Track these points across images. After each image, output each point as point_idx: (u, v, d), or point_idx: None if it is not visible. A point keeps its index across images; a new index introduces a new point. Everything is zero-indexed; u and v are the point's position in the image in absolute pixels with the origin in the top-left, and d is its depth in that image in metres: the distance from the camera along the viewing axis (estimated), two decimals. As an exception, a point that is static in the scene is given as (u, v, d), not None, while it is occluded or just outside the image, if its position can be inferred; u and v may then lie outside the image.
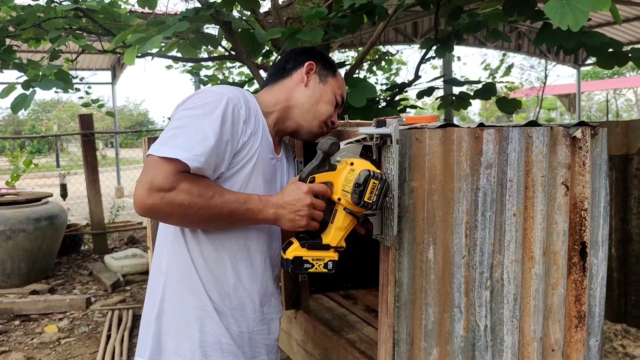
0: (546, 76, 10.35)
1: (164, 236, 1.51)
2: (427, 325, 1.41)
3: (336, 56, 8.21)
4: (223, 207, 1.34)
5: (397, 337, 1.40)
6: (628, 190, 3.40)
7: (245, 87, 4.53)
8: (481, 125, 1.43)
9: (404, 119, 1.50)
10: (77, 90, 5.13)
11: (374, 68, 7.63)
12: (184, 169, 1.28)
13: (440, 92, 5.25)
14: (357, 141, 1.47)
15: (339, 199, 1.38)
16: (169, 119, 1.49)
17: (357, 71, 4.23)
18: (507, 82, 9.20)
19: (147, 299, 1.55)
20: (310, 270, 1.41)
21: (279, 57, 3.21)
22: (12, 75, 3.94)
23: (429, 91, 4.17)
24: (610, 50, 3.03)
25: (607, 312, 3.38)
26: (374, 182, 1.28)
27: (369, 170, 1.29)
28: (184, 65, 5.84)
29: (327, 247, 1.41)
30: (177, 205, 1.27)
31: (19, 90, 3.42)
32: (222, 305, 1.48)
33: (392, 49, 8.51)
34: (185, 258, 1.45)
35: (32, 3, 4.20)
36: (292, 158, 1.75)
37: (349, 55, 8.36)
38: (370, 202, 1.29)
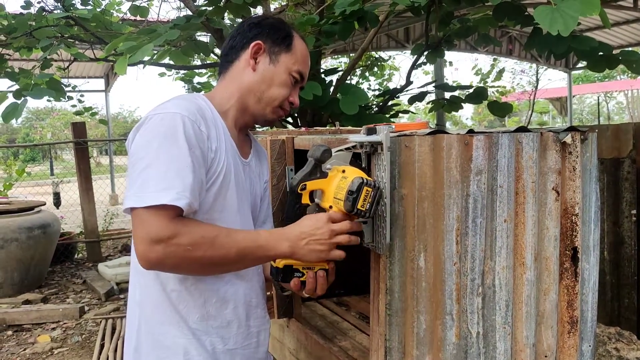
0: (537, 80, 10.40)
1: (135, 266, 1.39)
2: (419, 333, 1.41)
3: (328, 62, 8.22)
4: (230, 246, 1.26)
5: (389, 346, 1.40)
6: (620, 194, 3.42)
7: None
8: (471, 131, 1.43)
9: (393, 126, 1.50)
10: (70, 98, 5.12)
11: (367, 74, 7.65)
12: (176, 211, 1.21)
13: (432, 97, 5.26)
14: (347, 149, 1.46)
15: (331, 207, 1.37)
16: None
17: (349, 77, 4.24)
18: (498, 86, 9.24)
19: (126, 330, 1.47)
20: (301, 279, 1.40)
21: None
22: (3, 85, 3.93)
23: (420, 96, 4.19)
24: (600, 54, 3.05)
25: (601, 315, 3.39)
26: (367, 190, 1.28)
27: (362, 178, 1.29)
28: (177, 73, 5.84)
29: (317, 256, 1.40)
30: (182, 252, 1.20)
31: (10, 100, 3.41)
32: (207, 325, 1.39)
33: (384, 54, 8.54)
34: (158, 287, 1.37)
35: (24, 12, 4.20)
36: (264, 157, 1.65)
37: (342, 61, 8.38)
38: (364, 209, 1.28)
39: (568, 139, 1.52)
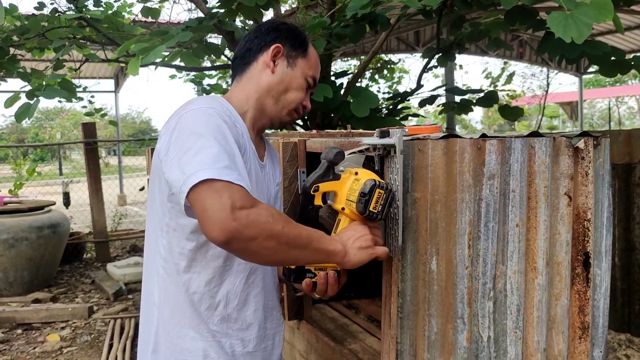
0: (548, 84, 10.36)
1: (153, 267, 1.40)
2: (430, 336, 1.41)
3: (338, 65, 8.24)
4: (301, 228, 1.23)
5: (400, 349, 1.40)
6: (631, 199, 3.40)
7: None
8: (484, 135, 1.43)
9: (406, 130, 1.50)
10: (81, 99, 5.16)
11: (377, 77, 7.65)
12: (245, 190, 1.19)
13: (442, 100, 5.27)
14: (360, 151, 1.47)
15: (343, 209, 1.37)
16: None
17: (359, 80, 4.24)
18: (509, 90, 9.21)
19: (141, 331, 1.46)
20: (313, 280, 1.40)
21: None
22: (16, 85, 3.97)
23: (431, 100, 4.19)
24: (613, 58, 3.04)
25: (611, 321, 3.37)
26: (379, 192, 1.28)
27: (374, 180, 1.29)
28: (187, 75, 5.87)
29: (329, 257, 1.40)
30: (263, 222, 1.14)
31: (23, 100, 3.43)
32: (227, 328, 1.39)
33: (394, 57, 8.54)
34: (180, 289, 1.36)
35: (36, 13, 4.24)
36: (277, 159, 1.66)
37: (352, 64, 8.39)
38: (376, 211, 1.29)
39: (581, 144, 1.52)
